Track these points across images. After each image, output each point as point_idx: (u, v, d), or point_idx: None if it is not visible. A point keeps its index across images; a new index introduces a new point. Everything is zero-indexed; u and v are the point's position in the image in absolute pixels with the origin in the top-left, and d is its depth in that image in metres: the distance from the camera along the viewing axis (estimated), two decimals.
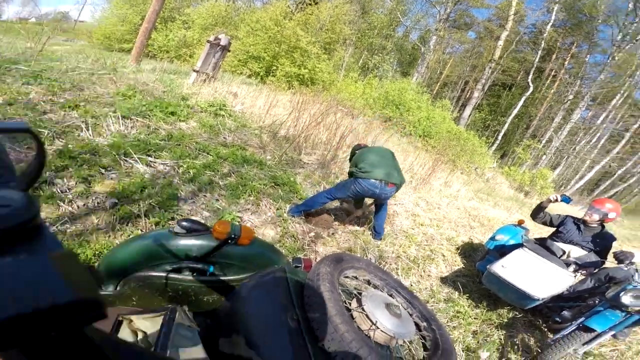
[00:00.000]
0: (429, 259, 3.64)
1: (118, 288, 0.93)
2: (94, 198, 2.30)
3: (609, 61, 18.47)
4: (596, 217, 3.08)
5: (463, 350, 2.41)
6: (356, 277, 1.82)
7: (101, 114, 3.48)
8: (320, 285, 1.40)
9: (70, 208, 2.17)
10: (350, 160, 3.43)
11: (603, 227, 3.15)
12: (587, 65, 21.09)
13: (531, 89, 20.03)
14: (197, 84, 6.02)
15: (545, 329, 2.97)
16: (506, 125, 20.97)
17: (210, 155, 3.58)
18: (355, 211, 3.70)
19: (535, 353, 2.54)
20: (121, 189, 2.46)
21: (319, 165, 4.65)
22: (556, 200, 3.15)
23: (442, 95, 24.07)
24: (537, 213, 3.41)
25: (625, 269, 2.56)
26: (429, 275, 3.37)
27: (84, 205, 2.23)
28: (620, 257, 2.57)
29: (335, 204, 3.89)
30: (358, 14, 21.26)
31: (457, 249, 4.17)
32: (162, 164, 3.09)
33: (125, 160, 2.89)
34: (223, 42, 6.41)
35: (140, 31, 7.01)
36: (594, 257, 3.01)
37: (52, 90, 3.68)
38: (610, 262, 2.91)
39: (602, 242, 3.06)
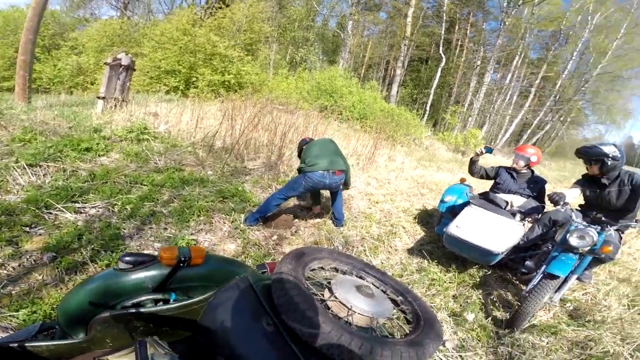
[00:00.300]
0: (392, 233, 3.72)
1: (87, 334, 0.92)
2: (27, 257, 2.13)
3: (501, 26, 20.74)
4: (522, 162, 3.34)
5: (449, 316, 2.42)
6: (322, 268, 1.76)
7: (1, 166, 2.98)
8: (285, 283, 1.32)
9: (4, 271, 1.99)
10: (299, 157, 3.42)
11: (532, 172, 3.42)
12: (485, 32, 23.65)
13: (444, 59, 21.70)
14: (108, 112, 5.43)
15: (517, 282, 3.09)
16: (431, 96, 22.49)
17: (145, 185, 3.26)
18: (314, 207, 3.65)
19: (516, 307, 2.56)
20: (55, 242, 2.23)
21: (266, 168, 4.50)
22: (482, 153, 3.41)
23: (369, 77, 24.98)
24: (472, 169, 3.61)
25: (562, 210, 2.65)
26: (395, 250, 3.43)
27: (20, 265, 2.07)
28: (554, 199, 2.62)
29: (292, 202, 3.80)
30: (275, 10, 21.07)
31: (415, 218, 4.32)
32: (92, 207, 2.73)
33: (49, 213, 2.52)
34: (125, 62, 5.85)
35: (18, 65, 6.09)
36: (533, 203, 3.19)
37: None
38: (549, 206, 3.09)
39: (535, 186, 3.30)
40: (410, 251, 3.43)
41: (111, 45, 14.99)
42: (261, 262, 2.23)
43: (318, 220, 3.58)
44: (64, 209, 2.58)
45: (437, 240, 3.66)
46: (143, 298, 0.94)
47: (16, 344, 0.83)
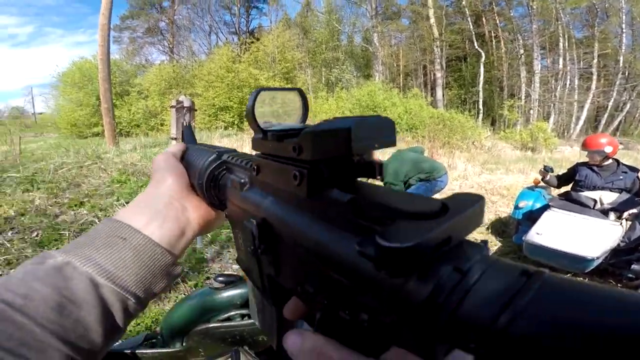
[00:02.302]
0: None
1: (184, 344, 1.05)
2: None
3: (529, 11, 18.98)
4: (597, 157, 2.95)
5: None
6: None
7: (107, 205, 3.59)
8: None
9: None
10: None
11: (618, 161, 2.99)
12: (515, 19, 21.65)
13: (483, 54, 20.36)
14: None
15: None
16: (480, 94, 21.00)
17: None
18: None
19: None
20: None
21: None
22: (546, 174, 3.35)
23: (408, 85, 24.23)
24: (553, 184, 3.42)
25: None
26: None
27: None
28: None
29: None
30: (301, 36, 21.94)
31: (487, 229, 3.99)
32: None
33: None
34: (186, 104, 6.43)
35: (103, 113, 7.09)
36: (627, 197, 2.80)
37: (52, 192, 3.75)
38: None
39: (626, 177, 2.91)
40: None
41: (169, 88, 16.77)
42: None
43: None
44: None
45: (517, 251, 3.34)
46: (232, 313, 1.03)
47: (129, 351, 0.98)
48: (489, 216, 4.39)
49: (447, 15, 22.42)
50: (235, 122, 13.38)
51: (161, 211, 0.37)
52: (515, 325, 0.11)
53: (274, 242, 0.25)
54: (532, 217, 3.05)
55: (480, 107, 21.11)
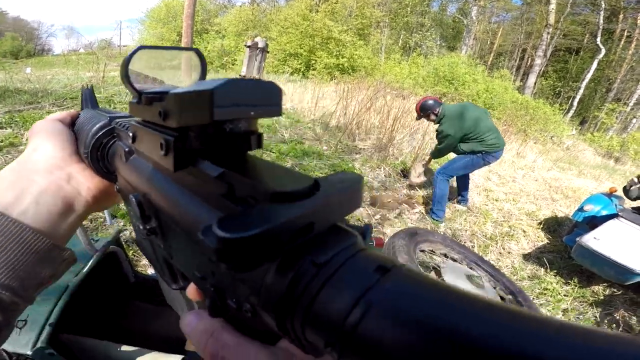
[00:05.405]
0: (508, 235, 3.37)
1: None
2: None
3: None
4: None
5: None
6: (432, 251, 1.77)
7: None
8: (397, 256, 1.39)
9: None
10: (422, 118, 3.24)
11: None
12: None
13: (603, 51, 17.58)
14: None
15: None
16: (581, 91, 18.65)
17: (273, 152, 3.79)
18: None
19: (637, 332, 2.22)
20: None
21: (375, 149, 4.59)
22: (636, 183, 3.00)
23: (498, 65, 21.94)
24: (629, 195, 3.08)
25: None
26: (509, 253, 3.13)
27: None
28: None
29: (398, 184, 3.81)
30: None
31: (539, 223, 3.79)
32: None
33: None
34: (261, 45, 6.63)
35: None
36: None
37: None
38: None
39: None
40: (526, 257, 3.09)
41: (246, 30, 17.13)
42: None
43: (422, 207, 3.50)
44: None
45: (561, 251, 3.19)
46: None
47: None
48: (545, 212, 4.15)
49: (573, 4, 19.25)
50: (302, 70, 13.39)
51: (35, 183, 0.30)
52: (366, 321, 0.11)
53: (160, 221, 0.22)
54: (592, 222, 2.85)
55: (575, 103, 18.78)
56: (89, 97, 0.41)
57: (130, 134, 0.24)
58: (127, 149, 0.26)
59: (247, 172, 0.16)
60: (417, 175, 3.58)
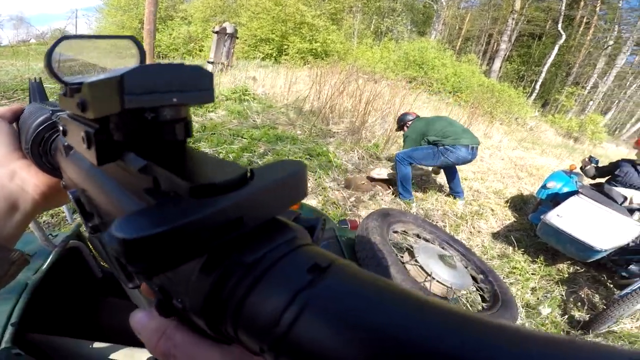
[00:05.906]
0: (477, 214, 3.49)
1: None
2: None
3: None
4: None
5: (522, 307, 2.31)
6: (405, 232, 1.78)
7: None
8: (371, 238, 1.37)
9: None
10: (399, 130, 3.65)
11: None
12: (621, 10, 19.12)
13: (564, 37, 18.51)
14: (216, 75, 6.07)
15: (611, 285, 2.74)
16: (543, 75, 19.62)
17: (245, 138, 3.68)
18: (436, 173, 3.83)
19: (600, 310, 2.31)
20: None
21: (349, 132, 4.60)
22: (589, 163, 3.32)
23: (466, 50, 22.54)
24: (589, 175, 3.37)
25: None
26: (479, 232, 3.23)
27: None
28: None
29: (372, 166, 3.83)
30: None
31: (507, 202, 3.95)
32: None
33: None
34: (229, 30, 6.37)
35: (144, 34, 7.07)
36: None
37: None
38: None
39: None
40: (495, 235, 3.20)
41: (214, 15, 16.40)
42: (343, 218, 2.36)
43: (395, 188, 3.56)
44: None
45: (528, 229, 3.33)
46: None
47: None
48: (511, 190, 4.34)
49: None
50: (274, 55, 13.08)
51: None
52: (299, 324, 0.10)
53: (101, 218, 0.21)
54: (555, 199, 3.00)
55: (537, 87, 19.74)
56: (37, 90, 0.39)
57: (61, 128, 0.23)
58: (66, 144, 0.25)
59: (174, 164, 0.15)
60: (377, 173, 3.61)
